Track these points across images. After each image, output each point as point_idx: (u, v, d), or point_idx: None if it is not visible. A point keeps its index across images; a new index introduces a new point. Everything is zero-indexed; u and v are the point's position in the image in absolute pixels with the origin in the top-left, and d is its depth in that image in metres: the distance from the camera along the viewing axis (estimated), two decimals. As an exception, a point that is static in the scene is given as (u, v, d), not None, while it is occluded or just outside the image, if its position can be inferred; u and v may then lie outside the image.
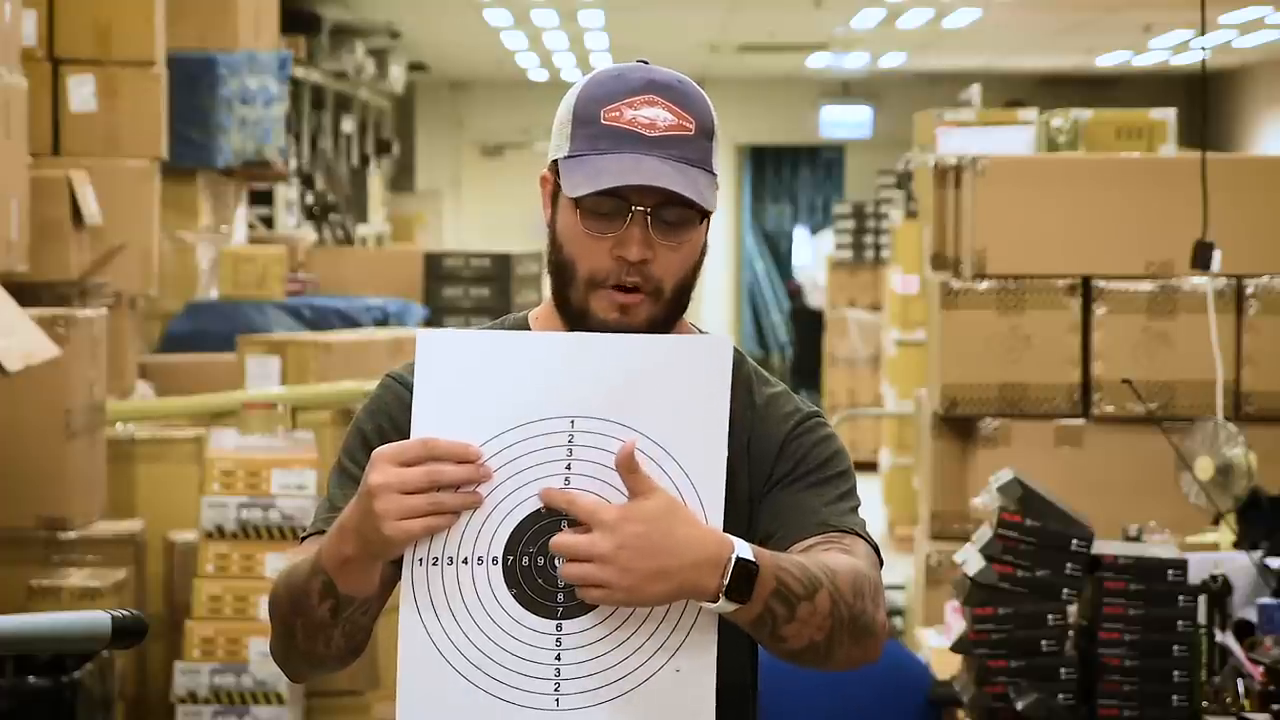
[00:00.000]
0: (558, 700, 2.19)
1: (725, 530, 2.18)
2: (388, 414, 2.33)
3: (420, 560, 2.19)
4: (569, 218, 2.33)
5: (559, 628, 2.18)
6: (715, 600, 2.13)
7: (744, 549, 2.14)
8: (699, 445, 2.20)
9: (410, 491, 2.14)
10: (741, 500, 2.35)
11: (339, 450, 2.41)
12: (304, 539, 2.36)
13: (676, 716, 2.19)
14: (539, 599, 2.19)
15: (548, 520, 2.18)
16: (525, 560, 2.18)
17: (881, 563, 2.33)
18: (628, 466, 2.13)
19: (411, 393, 2.22)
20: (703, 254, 2.38)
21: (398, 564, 2.22)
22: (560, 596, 2.18)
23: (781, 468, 2.38)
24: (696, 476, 2.19)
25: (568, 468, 2.18)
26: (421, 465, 2.15)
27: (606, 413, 2.19)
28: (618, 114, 2.32)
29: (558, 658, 2.19)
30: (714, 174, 2.35)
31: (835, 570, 2.22)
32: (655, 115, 2.32)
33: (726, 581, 2.13)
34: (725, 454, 2.20)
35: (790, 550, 2.26)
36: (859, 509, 2.38)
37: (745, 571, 2.13)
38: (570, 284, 2.34)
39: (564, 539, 2.13)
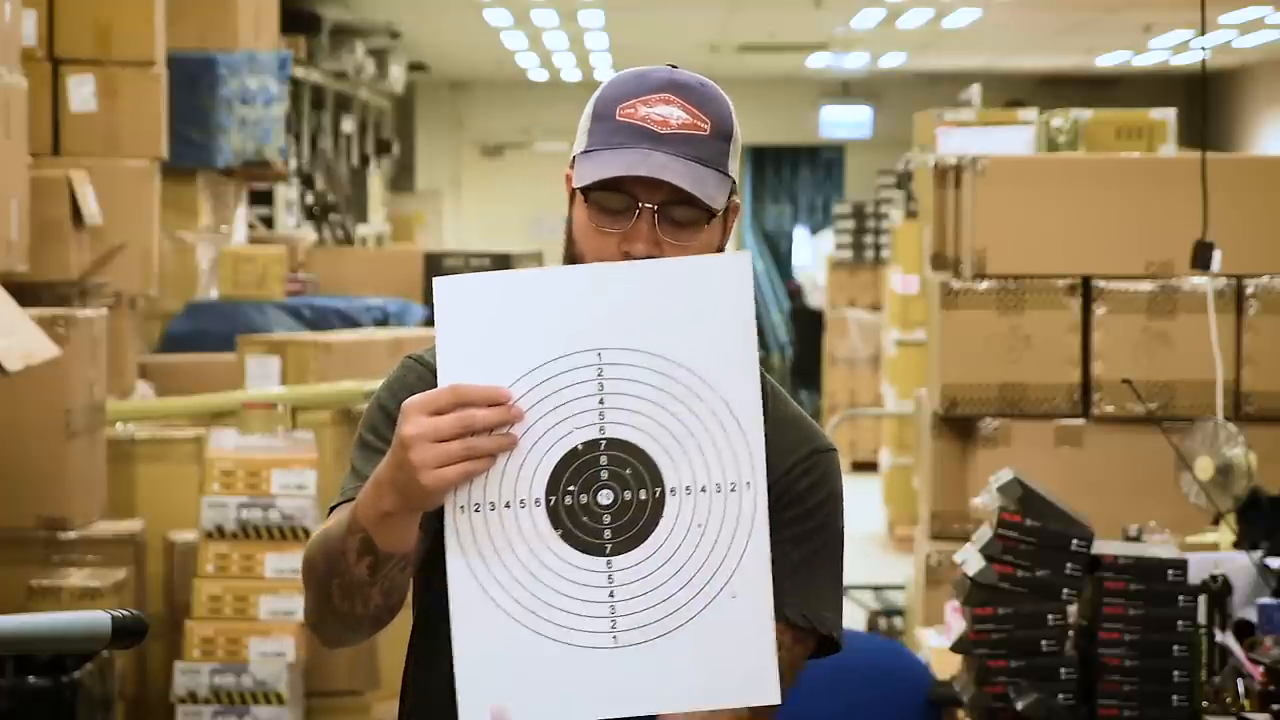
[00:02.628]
0: (615, 637, 2.16)
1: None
2: (409, 390, 2.29)
3: (462, 508, 2.16)
4: (580, 212, 2.35)
5: (609, 564, 2.16)
6: None
7: None
8: (730, 365, 2.18)
9: (444, 439, 2.12)
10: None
11: (359, 428, 2.40)
12: (332, 509, 2.34)
13: (737, 640, 2.17)
14: (586, 537, 2.16)
15: (586, 457, 2.16)
16: (568, 500, 2.16)
17: (840, 648, 2.42)
18: None
19: (432, 372, 2.21)
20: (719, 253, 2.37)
21: (427, 519, 2.20)
22: (607, 533, 2.16)
23: (782, 490, 2.34)
24: (731, 398, 2.18)
25: (600, 401, 2.16)
26: (453, 412, 2.13)
27: (633, 341, 2.17)
28: (632, 110, 2.33)
29: (611, 595, 2.16)
30: (729, 176, 2.36)
31: None
32: (668, 113, 2.33)
33: None
34: (757, 371, 2.19)
35: None
36: (840, 584, 2.41)
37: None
38: None
39: None
